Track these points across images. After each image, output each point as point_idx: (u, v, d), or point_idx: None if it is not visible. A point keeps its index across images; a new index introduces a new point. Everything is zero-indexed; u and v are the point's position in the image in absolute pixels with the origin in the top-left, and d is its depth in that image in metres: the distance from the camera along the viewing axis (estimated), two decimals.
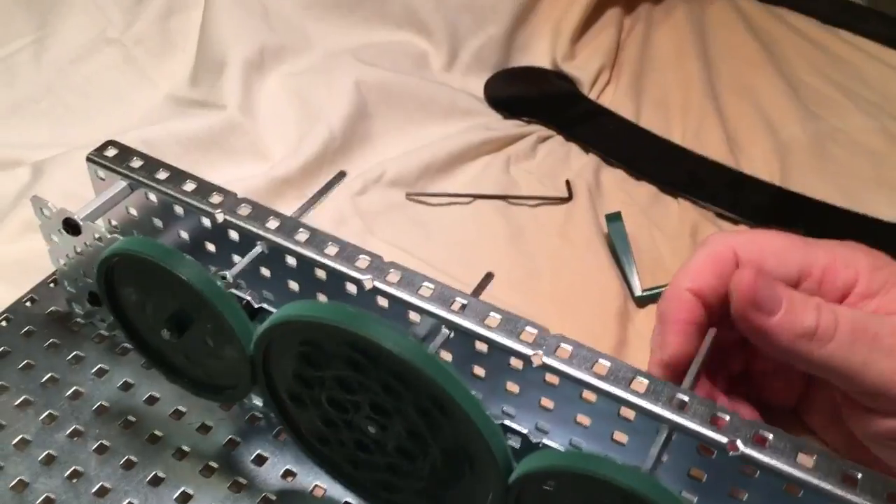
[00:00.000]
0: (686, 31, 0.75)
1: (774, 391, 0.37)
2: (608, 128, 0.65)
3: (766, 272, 0.33)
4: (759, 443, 0.30)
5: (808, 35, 0.76)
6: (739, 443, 0.30)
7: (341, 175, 0.45)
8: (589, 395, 0.34)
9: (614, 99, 0.68)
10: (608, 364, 0.33)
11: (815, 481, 0.29)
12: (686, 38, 0.74)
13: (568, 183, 0.59)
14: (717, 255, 0.35)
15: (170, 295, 0.36)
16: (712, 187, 0.60)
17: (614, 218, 0.55)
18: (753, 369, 0.37)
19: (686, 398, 0.32)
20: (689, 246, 0.55)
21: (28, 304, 0.47)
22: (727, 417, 0.31)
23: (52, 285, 0.48)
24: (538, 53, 0.71)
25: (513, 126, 0.64)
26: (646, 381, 0.32)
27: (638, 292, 0.51)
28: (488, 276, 0.39)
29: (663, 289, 0.50)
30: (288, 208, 0.41)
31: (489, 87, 0.68)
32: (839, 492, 0.29)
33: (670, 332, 0.34)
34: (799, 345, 0.32)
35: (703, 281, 0.34)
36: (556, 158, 0.62)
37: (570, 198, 0.58)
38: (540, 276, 0.53)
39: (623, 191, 0.60)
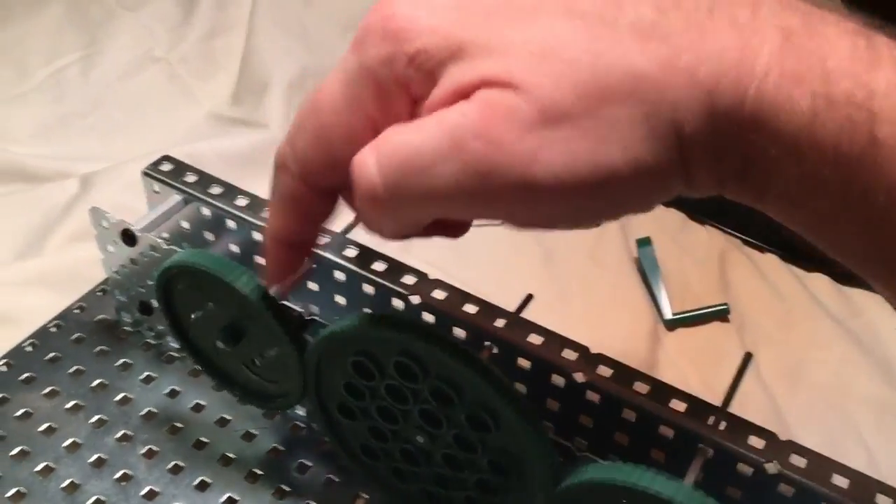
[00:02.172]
0: None
1: None
2: None
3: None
4: (796, 463, 0.32)
5: None
6: (776, 463, 0.31)
7: None
8: (628, 414, 0.35)
9: None
10: (648, 384, 0.34)
11: (850, 502, 0.30)
12: None
13: None
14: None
15: (226, 306, 0.37)
16: (740, 215, 0.61)
17: (644, 243, 0.56)
18: None
19: (723, 417, 0.33)
20: (716, 272, 0.56)
21: (77, 311, 0.48)
22: (763, 438, 0.32)
23: (100, 294, 0.49)
24: None
25: None
26: (684, 400, 0.34)
27: (668, 315, 0.52)
28: (529, 298, 0.41)
29: (694, 313, 0.52)
30: (328, 225, 0.42)
31: None
32: None
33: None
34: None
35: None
36: None
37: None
38: (571, 298, 0.54)
39: (652, 217, 0.61)
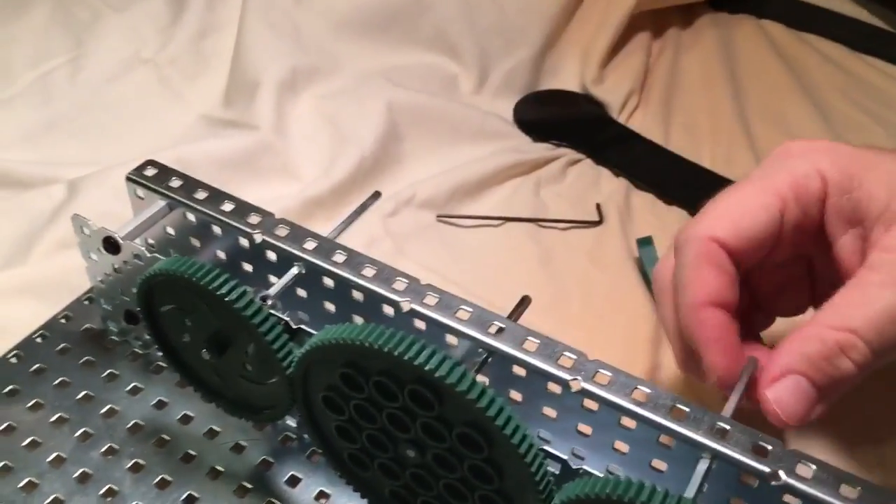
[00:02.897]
0: (714, 56, 0.75)
1: (784, 306, 0.37)
2: (637, 152, 0.65)
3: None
4: (803, 473, 0.30)
5: (836, 61, 0.76)
6: (782, 473, 0.30)
7: (376, 195, 0.45)
8: (628, 422, 0.33)
9: (643, 123, 0.68)
10: (648, 390, 0.33)
11: None
12: (715, 62, 0.74)
13: (598, 206, 0.59)
14: (705, 255, 0.34)
15: (210, 315, 0.36)
16: None
17: (645, 242, 0.54)
18: (759, 294, 0.36)
19: (727, 426, 0.32)
20: None
21: (63, 321, 0.47)
22: (770, 447, 0.31)
23: (87, 303, 0.48)
24: (567, 77, 0.71)
25: (542, 149, 0.64)
26: (686, 408, 0.32)
27: None
28: (525, 301, 0.39)
29: None
30: (319, 229, 0.41)
31: (518, 110, 0.68)
32: None
33: (710, 354, 0.34)
34: (854, 380, 0.32)
35: (712, 289, 0.34)
36: (586, 182, 0.62)
37: (600, 221, 0.58)
38: (570, 300, 0.52)
39: (653, 215, 0.60)
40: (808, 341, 0.32)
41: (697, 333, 0.34)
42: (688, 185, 0.62)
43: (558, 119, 0.68)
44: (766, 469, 0.30)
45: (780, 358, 0.33)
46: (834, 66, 0.75)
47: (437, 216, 0.57)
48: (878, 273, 0.32)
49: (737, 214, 0.34)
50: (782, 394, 0.32)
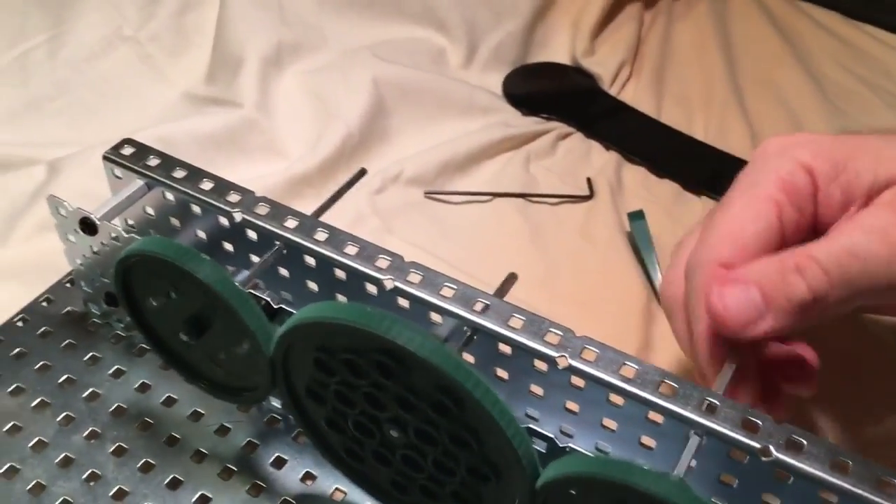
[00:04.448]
0: (707, 26, 0.74)
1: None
2: (629, 125, 0.64)
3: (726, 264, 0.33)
4: (794, 448, 0.30)
5: (831, 29, 0.75)
6: (773, 448, 0.30)
7: (362, 172, 0.45)
8: (616, 399, 0.33)
9: (635, 95, 0.67)
10: (636, 367, 0.32)
11: (851, 487, 0.29)
12: (708, 32, 0.73)
13: (589, 181, 0.58)
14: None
15: (188, 296, 0.35)
16: None
17: (637, 216, 0.54)
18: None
19: (717, 402, 0.31)
20: None
21: (44, 304, 0.47)
22: (760, 422, 0.30)
23: (68, 285, 0.47)
24: (557, 49, 0.70)
25: (532, 123, 0.63)
26: (675, 384, 0.32)
27: None
28: (512, 277, 0.38)
29: None
30: (305, 206, 0.40)
31: (508, 83, 0.67)
32: (875, 497, 0.28)
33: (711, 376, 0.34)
34: (811, 313, 0.32)
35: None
36: (577, 156, 0.61)
37: (591, 196, 0.57)
38: (560, 276, 0.52)
39: (645, 188, 0.59)
40: (768, 261, 0.32)
41: (710, 371, 0.34)
42: (680, 158, 0.61)
43: (548, 92, 0.67)
44: (757, 445, 0.30)
45: (737, 270, 0.32)
46: (828, 34, 0.74)
47: (425, 193, 0.56)
48: (853, 221, 0.32)
49: (738, 233, 0.34)
50: (730, 297, 0.32)
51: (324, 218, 0.40)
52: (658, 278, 0.51)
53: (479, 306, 0.35)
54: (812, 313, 0.32)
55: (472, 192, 0.57)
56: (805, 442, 0.30)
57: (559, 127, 0.63)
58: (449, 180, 0.58)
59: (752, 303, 0.32)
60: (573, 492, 0.29)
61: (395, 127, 0.61)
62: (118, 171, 0.42)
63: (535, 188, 0.57)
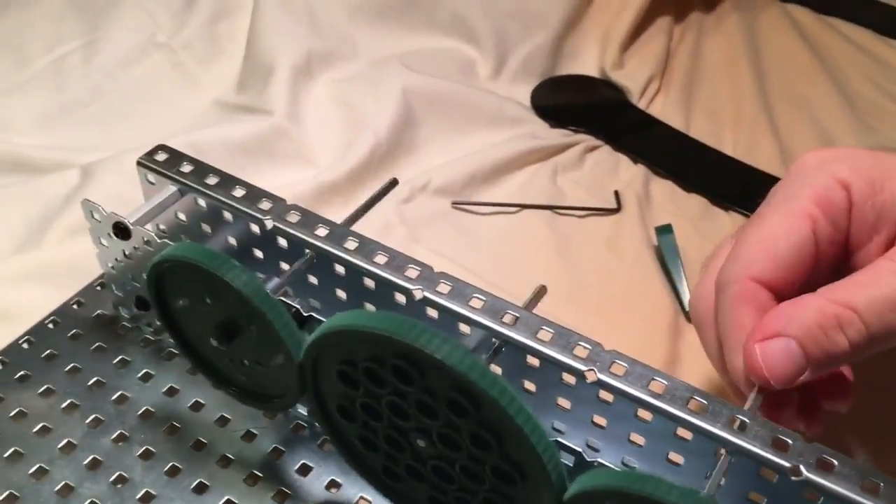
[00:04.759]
0: (738, 41, 0.74)
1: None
2: (657, 138, 0.64)
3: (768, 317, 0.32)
4: (824, 468, 0.29)
5: (862, 46, 0.74)
6: (803, 467, 0.29)
7: (393, 182, 0.45)
8: (644, 414, 0.33)
9: (664, 109, 0.67)
10: (665, 382, 0.32)
11: None
12: (738, 47, 0.73)
13: (617, 194, 0.58)
14: (745, 298, 0.33)
15: (220, 302, 0.35)
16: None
17: (665, 230, 0.53)
18: None
19: (747, 419, 0.31)
20: None
21: (75, 307, 0.47)
22: (790, 441, 0.30)
23: (98, 289, 0.48)
24: (586, 61, 0.70)
25: (560, 135, 0.63)
26: (704, 401, 0.31)
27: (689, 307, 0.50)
28: (542, 290, 0.38)
29: None
30: (334, 215, 0.40)
31: (536, 95, 0.67)
32: None
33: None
34: (846, 362, 0.31)
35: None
36: (605, 169, 0.61)
37: (618, 209, 0.57)
38: (587, 289, 0.52)
39: (673, 203, 0.59)
40: (806, 309, 0.31)
41: (746, 390, 0.34)
42: (709, 173, 0.61)
43: (576, 104, 0.67)
44: (787, 464, 0.29)
45: (775, 320, 0.32)
46: (860, 51, 0.73)
47: (453, 203, 0.56)
48: (894, 261, 0.32)
49: (771, 247, 0.33)
50: (771, 352, 0.31)
51: (353, 226, 0.40)
52: (685, 293, 0.50)
53: (508, 318, 0.35)
54: (847, 361, 0.32)
55: (500, 203, 0.57)
56: (836, 462, 0.29)
57: (587, 139, 0.63)
58: (476, 191, 0.58)
59: (792, 360, 0.31)
60: None
61: (424, 137, 0.61)
62: (151, 177, 0.42)
63: (562, 200, 0.57)
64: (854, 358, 0.32)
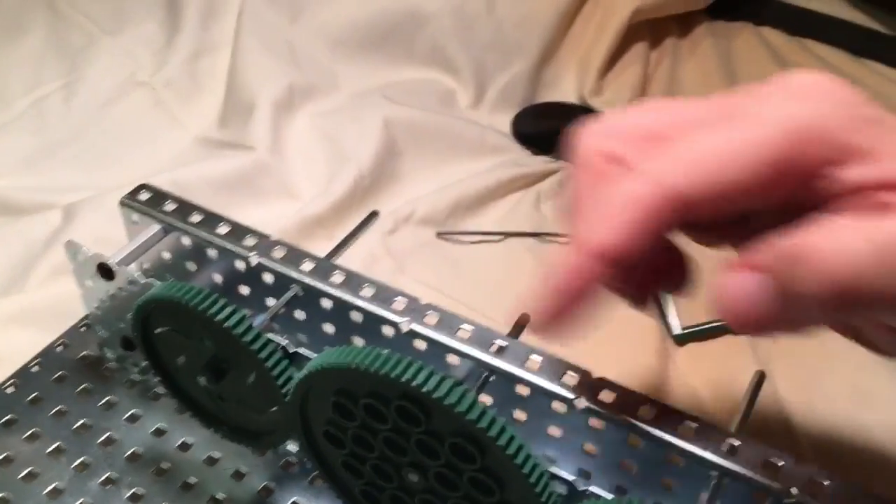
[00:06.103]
0: (713, 64, 0.75)
1: None
2: None
3: None
4: (815, 490, 0.29)
5: (836, 66, 0.75)
6: (794, 489, 0.29)
7: (374, 215, 0.45)
8: (635, 440, 0.33)
9: None
10: (654, 408, 0.32)
11: None
12: (713, 71, 0.74)
13: None
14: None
15: (207, 341, 0.35)
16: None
17: None
18: None
19: (737, 442, 0.31)
20: None
21: (59, 349, 0.47)
22: (781, 463, 0.30)
23: (83, 330, 0.48)
24: (565, 89, 0.71)
25: (542, 162, 0.63)
26: (694, 425, 0.32)
27: (677, 331, 0.50)
28: (525, 317, 0.38)
29: (704, 327, 0.50)
30: (319, 248, 0.40)
31: (517, 123, 0.67)
32: None
33: None
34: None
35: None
36: None
37: None
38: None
39: None
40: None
41: None
42: None
43: (557, 131, 0.67)
44: (778, 486, 0.29)
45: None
46: (834, 71, 0.74)
47: (437, 233, 0.57)
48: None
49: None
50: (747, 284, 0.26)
51: (338, 259, 0.40)
52: (672, 316, 0.51)
53: (495, 347, 0.35)
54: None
55: (484, 232, 0.57)
56: (827, 482, 0.29)
57: (569, 166, 0.63)
58: (460, 220, 0.58)
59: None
60: None
61: (407, 168, 0.61)
62: (135, 217, 0.42)
63: (545, 227, 0.58)
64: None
